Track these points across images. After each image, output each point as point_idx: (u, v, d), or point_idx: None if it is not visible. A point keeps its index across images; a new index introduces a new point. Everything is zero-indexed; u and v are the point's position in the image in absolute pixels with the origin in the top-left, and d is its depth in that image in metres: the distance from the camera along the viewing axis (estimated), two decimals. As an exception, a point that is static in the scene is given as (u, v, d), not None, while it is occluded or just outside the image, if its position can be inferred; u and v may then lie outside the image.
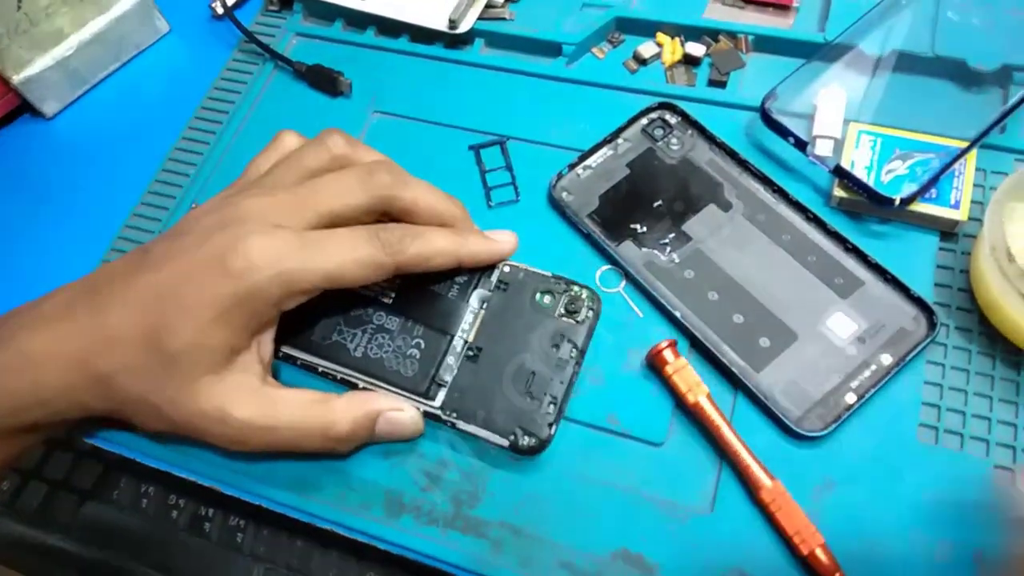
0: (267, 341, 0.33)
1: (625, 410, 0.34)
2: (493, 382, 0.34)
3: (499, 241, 0.36)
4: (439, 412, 0.33)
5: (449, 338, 0.35)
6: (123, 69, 0.51)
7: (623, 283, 0.37)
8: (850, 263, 0.35)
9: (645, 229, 0.38)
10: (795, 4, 0.44)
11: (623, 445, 0.33)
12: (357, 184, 0.33)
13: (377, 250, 0.31)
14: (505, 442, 0.33)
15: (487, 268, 0.36)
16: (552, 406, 0.33)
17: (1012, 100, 0.37)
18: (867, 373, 0.33)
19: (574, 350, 0.34)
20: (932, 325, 0.33)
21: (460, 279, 0.36)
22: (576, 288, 0.35)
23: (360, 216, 0.33)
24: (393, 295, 0.36)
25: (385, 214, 0.34)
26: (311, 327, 0.36)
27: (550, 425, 0.33)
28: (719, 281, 0.36)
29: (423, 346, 0.35)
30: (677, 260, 0.37)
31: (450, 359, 0.34)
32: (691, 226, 0.37)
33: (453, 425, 0.33)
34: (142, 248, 0.33)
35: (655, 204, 0.38)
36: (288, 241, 0.30)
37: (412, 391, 0.34)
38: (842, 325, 0.34)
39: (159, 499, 0.38)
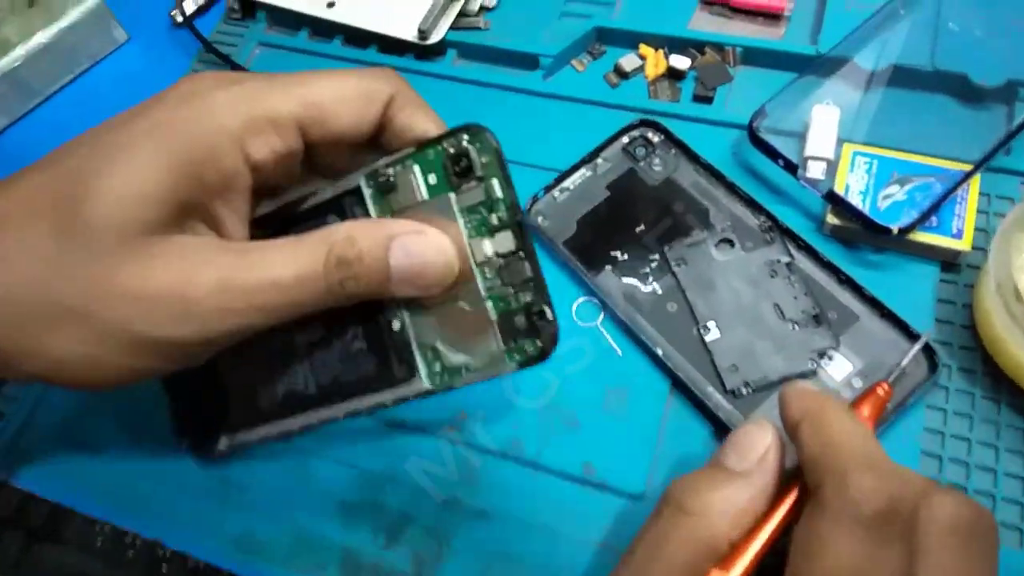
0: (234, 209, 0.26)
1: (602, 458, 0.31)
2: (457, 314, 0.27)
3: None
4: (431, 387, 0.28)
5: (382, 313, 0.28)
6: (78, 80, 0.48)
7: (601, 316, 0.35)
8: (845, 296, 0.33)
9: (626, 257, 0.35)
10: (786, 13, 0.41)
11: (600, 498, 0.31)
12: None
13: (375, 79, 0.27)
14: (513, 366, 0.26)
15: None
16: (532, 291, 0.26)
17: (1018, 119, 0.34)
18: (862, 418, 0.30)
19: (503, 210, 0.26)
20: (933, 366, 0.31)
21: None
22: (451, 139, 0.26)
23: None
24: None
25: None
26: (255, 398, 0.31)
27: (541, 313, 0.26)
28: (704, 315, 0.33)
29: (362, 334, 0.29)
30: (659, 292, 0.34)
31: (396, 325, 0.28)
32: (675, 254, 0.35)
33: (450, 388, 0.27)
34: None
35: (637, 230, 0.36)
36: (253, 81, 0.26)
37: (389, 384, 0.28)
38: (836, 364, 0.31)
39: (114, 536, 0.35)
